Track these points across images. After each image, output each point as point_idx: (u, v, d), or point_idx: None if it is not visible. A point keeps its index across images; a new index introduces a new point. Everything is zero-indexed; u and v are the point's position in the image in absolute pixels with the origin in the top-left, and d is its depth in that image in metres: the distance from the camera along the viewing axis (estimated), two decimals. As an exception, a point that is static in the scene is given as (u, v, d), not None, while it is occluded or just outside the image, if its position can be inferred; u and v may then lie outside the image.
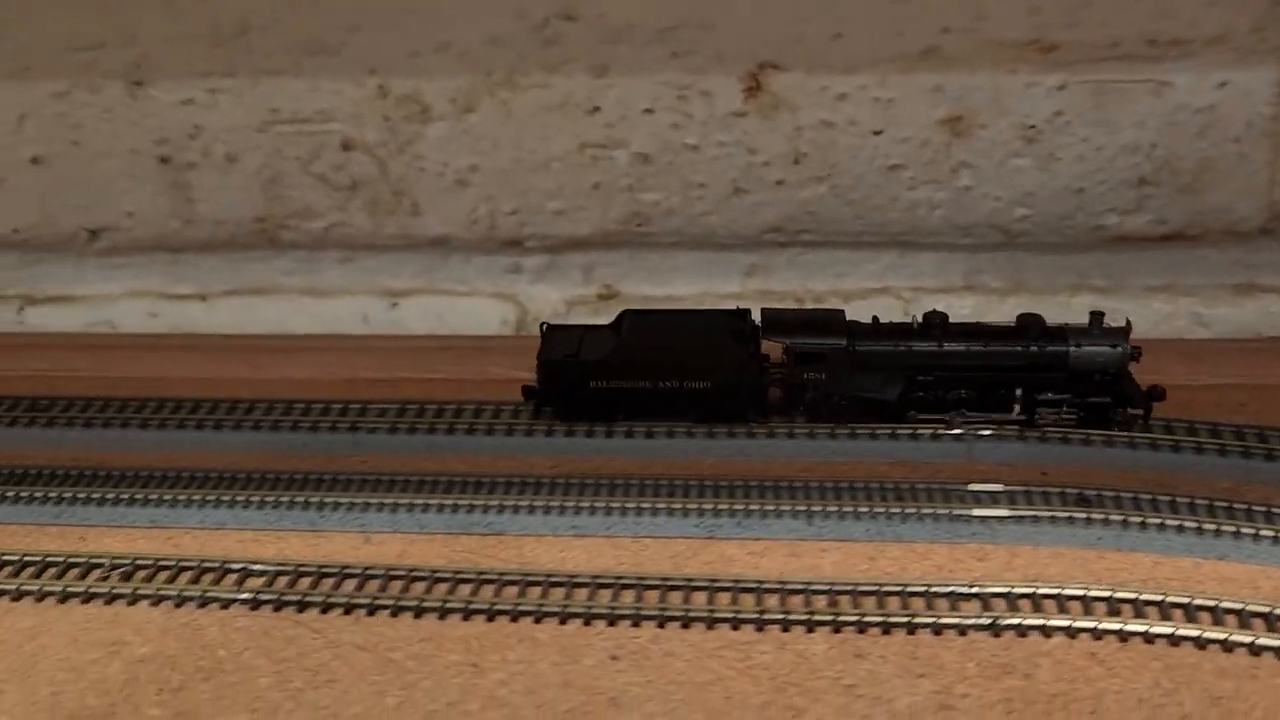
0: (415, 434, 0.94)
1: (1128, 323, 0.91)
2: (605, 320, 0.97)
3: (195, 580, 0.78)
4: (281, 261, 1.11)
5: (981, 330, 0.93)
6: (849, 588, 0.77)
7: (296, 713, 0.68)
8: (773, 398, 0.95)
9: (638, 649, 0.73)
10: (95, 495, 0.86)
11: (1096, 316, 0.91)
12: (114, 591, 0.77)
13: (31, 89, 1.02)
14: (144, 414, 0.96)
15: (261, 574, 0.78)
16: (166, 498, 0.85)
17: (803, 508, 0.84)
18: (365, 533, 0.84)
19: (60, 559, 0.79)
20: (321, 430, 0.94)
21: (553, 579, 0.77)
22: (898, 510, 0.84)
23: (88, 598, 0.77)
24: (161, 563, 0.79)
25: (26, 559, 0.80)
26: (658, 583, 0.77)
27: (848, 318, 0.93)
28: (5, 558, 0.80)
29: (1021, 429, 0.92)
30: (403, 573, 0.78)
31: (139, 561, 0.79)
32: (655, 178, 1.05)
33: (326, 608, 0.76)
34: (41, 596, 0.77)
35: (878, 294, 1.09)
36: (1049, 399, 0.91)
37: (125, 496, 0.86)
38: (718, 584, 0.77)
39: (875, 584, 0.77)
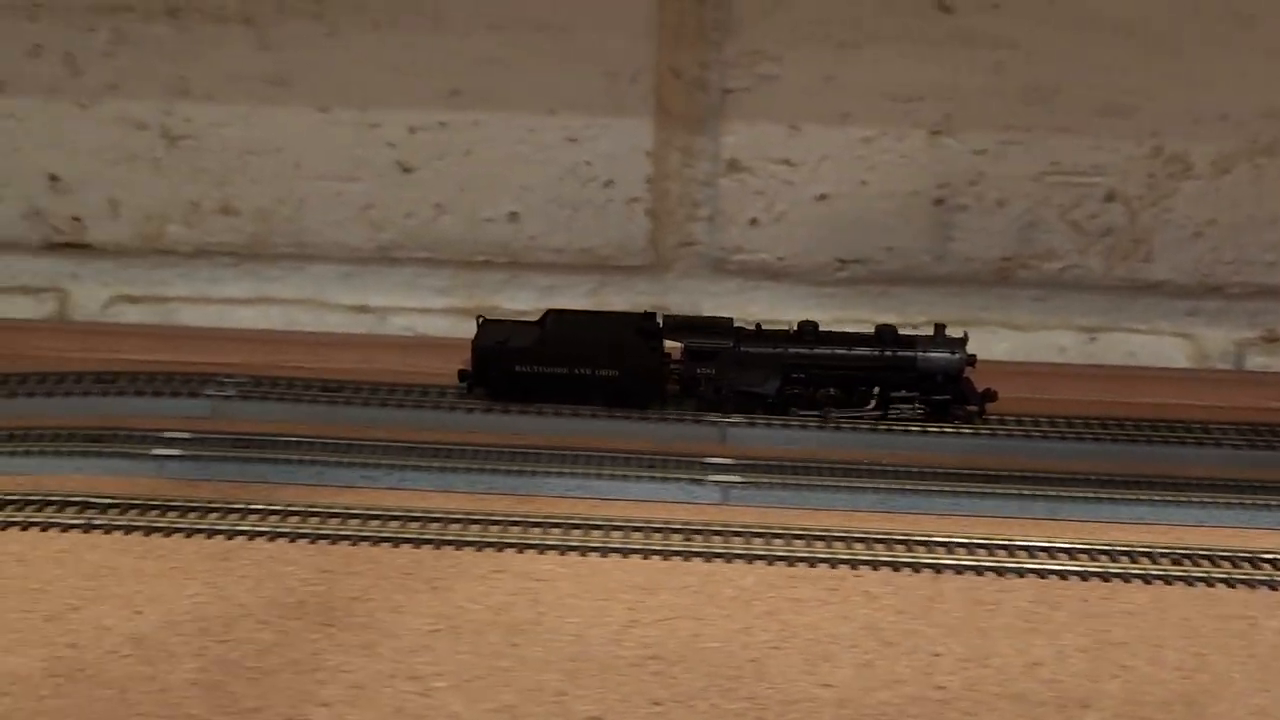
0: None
1: (964, 334, 1.09)
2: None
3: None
4: (989, 297, 1.24)
5: (845, 337, 1.10)
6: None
7: None
8: (670, 389, 1.10)
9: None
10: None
11: (939, 328, 1.10)
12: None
13: (842, 132, 1.16)
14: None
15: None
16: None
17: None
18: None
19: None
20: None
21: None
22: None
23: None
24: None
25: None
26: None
27: (735, 324, 1.09)
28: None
29: (876, 421, 1.08)
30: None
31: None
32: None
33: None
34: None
35: None
36: (900, 395, 1.09)
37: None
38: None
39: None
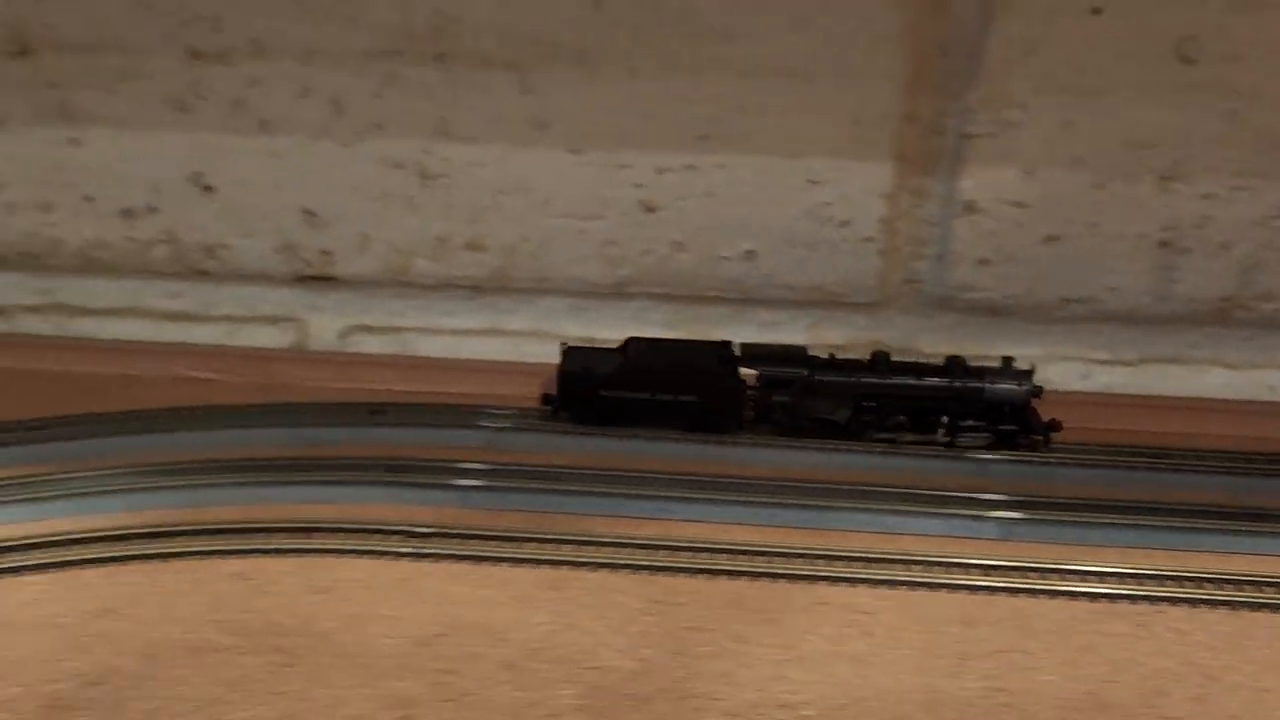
0: None
1: (1032, 366, 1.12)
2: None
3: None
4: (1200, 335, 1.26)
5: (915, 367, 1.14)
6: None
7: None
8: (747, 415, 1.14)
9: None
10: None
11: (1007, 360, 1.13)
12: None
13: (1075, 176, 1.20)
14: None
15: None
16: None
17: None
18: None
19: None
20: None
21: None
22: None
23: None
24: None
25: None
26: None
27: (809, 352, 1.13)
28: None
29: (944, 448, 1.11)
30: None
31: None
32: None
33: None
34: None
35: None
36: (968, 425, 1.12)
37: None
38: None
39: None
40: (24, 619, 0.84)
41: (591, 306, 1.29)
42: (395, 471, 1.02)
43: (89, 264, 1.30)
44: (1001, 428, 1.12)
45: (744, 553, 0.93)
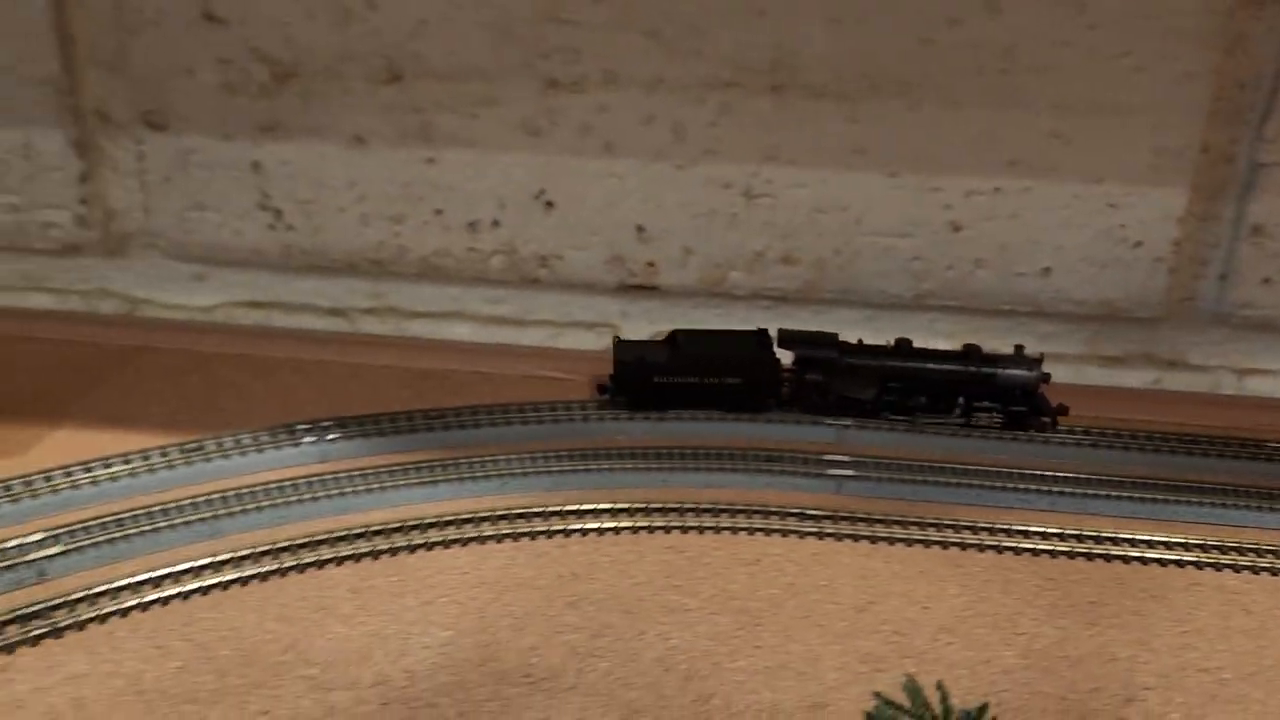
0: None
1: (1040, 354, 1.22)
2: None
3: None
4: None
5: (935, 353, 1.24)
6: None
7: None
8: (784, 394, 1.24)
9: None
10: None
11: (1019, 348, 1.23)
12: None
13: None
14: None
15: None
16: None
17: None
18: None
19: None
20: None
21: None
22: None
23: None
24: None
25: None
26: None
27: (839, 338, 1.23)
28: None
29: (960, 427, 1.23)
30: None
31: None
32: None
33: None
34: None
35: None
36: (982, 406, 1.22)
37: None
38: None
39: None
40: (505, 580, 0.96)
41: (883, 317, 1.40)
42: (774, 461, 1.14)
43: (428, 271, 1.43)
44: (1012, 409, 1.23)
45: (1119, 540, 1.04)
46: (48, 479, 1.06)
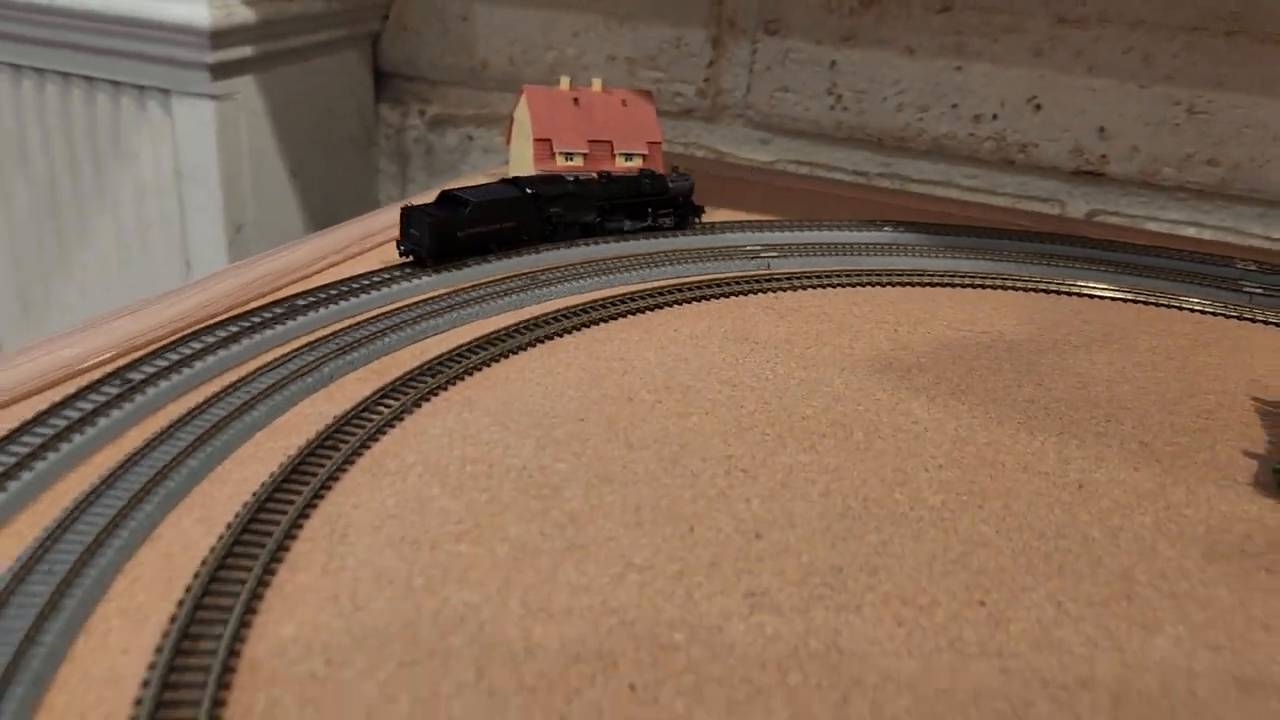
0: None
1: (689, 170, 1.68)
2: None
3: None
4: None
5: (627, 179, 1.61)
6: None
7: None
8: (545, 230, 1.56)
9: None
10: None
11: (675, 168, 1.68)
12: None
13: None
14: None
15: None
16: None
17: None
18: None
19: None
20: None
21: None
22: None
23: None
24: None
25: None
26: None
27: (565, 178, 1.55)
28: None
29: (648, 229, 1.63)
30: None
31: None
32: None
33: None
34: None
35: None
36: (663, 212, 1.64)
37: None
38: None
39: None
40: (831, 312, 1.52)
41: (1273, 214, 1.87)
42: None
43: (934, 149, 2.03)
44: (678, 212, 1.65)
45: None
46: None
